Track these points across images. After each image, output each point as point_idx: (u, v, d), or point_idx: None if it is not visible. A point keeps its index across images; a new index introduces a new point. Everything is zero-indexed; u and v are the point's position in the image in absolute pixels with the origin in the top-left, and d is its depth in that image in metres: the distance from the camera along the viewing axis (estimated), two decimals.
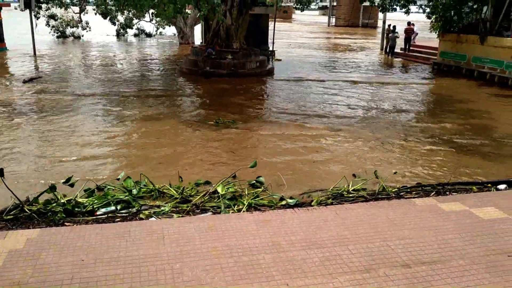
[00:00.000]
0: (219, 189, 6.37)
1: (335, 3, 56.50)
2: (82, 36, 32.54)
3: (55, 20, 32.04)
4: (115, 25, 33.59)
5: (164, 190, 6.39)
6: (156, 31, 35.70)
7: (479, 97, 14.82)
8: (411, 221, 4.99)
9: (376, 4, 22.44)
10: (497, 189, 6.71)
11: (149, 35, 35.46)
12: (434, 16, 20.43)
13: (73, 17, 32.11)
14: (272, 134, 9.96)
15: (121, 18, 33.30)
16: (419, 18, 27.54)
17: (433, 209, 5.45)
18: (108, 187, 6.52)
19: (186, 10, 20.37)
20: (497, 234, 4.57)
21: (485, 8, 18.68)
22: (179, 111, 12.08)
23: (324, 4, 68.17)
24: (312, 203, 6.00)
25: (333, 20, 56.29)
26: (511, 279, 3.68)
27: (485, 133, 10.45)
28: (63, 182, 6.51)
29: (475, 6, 19.15)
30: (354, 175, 7.38)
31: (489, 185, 6.94)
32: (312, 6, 25.75)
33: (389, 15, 24.34)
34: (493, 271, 3.81)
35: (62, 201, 5.76)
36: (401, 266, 3.90)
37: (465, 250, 4.22)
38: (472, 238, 4.48)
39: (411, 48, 25.19)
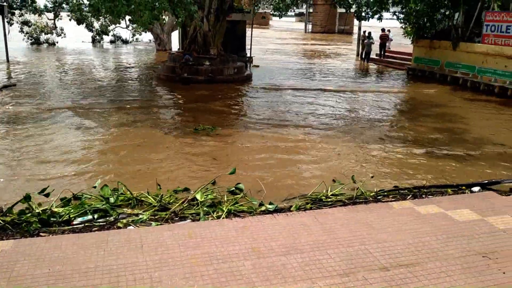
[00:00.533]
0: (198, 196, 6.34)
1: (311, 10, 57.11)
2: (57, 42, 32.03)
3: (29, 26, 31.47)
4: (91, 31, 33.19)
5: (142, 198, 6.32)
6: (132, 37, 35.42)
7: (453, 101, 15.16)
8: (388, 224, 5.06)
9: (353, 12, 22.76)
10: (471, 192, 6.86)
11: (125, 41, 35.15)
12: (408, 24, 20.83)
13: (47, 23, 31.61)
14: (251, 140, 9.97)
15: (97, 25, 32.93)
16: (393, 24, 28.03)
17: (410, 212, 5.54)
18: (85, 196, 6.41)
19: (163, 17, 20.27)
20: (471, 235, 4.67)
21: (457, 15, 19.16)
22: (157, 118, 11.99)
23: (300, 10, 68.80)
24: (292, 208, 6.02)
25: (309, 26, 56.88)
26: (486, 279, 3.76)
27: (460, 136, 10.69)
28: (38, 192, 6.38)
29: (447, 13, 19.63)
30: (333, 180, 7.44)
31: (464, 187, 7.09)
32: (289, 13, 25.97)
33: (364, 22, 24.70)
34: (468, 271, 3.89)
35: (37, 211, 5.64)
36: (379, 269, 3.95)
37: (441, 252, 4.29)
38: (448, 239, 4.56)
39: (386, 54, 25.63)
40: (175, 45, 29.43)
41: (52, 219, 5.50)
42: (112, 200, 6.18)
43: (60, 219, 5.51)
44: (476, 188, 6.98)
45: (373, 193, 6.77)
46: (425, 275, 3.80)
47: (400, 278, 3.76)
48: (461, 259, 4.13)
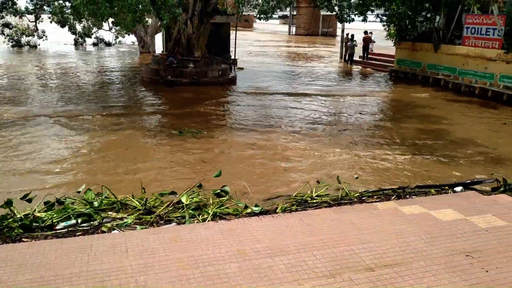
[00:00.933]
0: (184, 199, 6.30)
1: (295, 13, 57.37)
2: (39, 45, 31.59)
3: (10, 28, 30.97)
4: (73, 34, 32.81)
5: (127, 202, 6.26)
6: (115, 40, 35.10)
7: (435, 103, 15.36)
8: (373, 225, 5.09)
9: (335, 14, 22.93)
10: (454, 191, 6.96)
11: (108, 44, 34.82)
12: (391, 26, 21.07)
13: (28, 25, 31.16)
14: (237, 143, 9.96)
15: (79, 27, 32.57)
16: (376, 27, 28.33)
17: (394, 212, 5.59)
18: (68, 200, 6.33)
19: (146, 19, 20.16)
20: (455, 234, 4.73)
21: (438, 18, 19.45)
22: (142, 121, 11.89)
23: (284, 13, 69.04)
24: (277, 210, 6.03)
25: (293, 29, 57.12)
26: (469, 278, 3.81)
27: (442, 137, 10.84)
28: (21, 198, 6.28)
29: (428, 16, 19.92)
30: (318, 182, 7.47)
31: (446, 187, 7.19)
32: (273, 15, 26.06)
33: (347, 24, 24.89)
34: (452, 270, 3.94)
35: (19, 216, 5.54)
36: (365, 270, 3.97)
37: (425, 251, 4.33)
38: (432, 239, 4.61)
39: (369, 56, 25.87)
40: (158, 47, 29.27)
41: (34, 224, 5.41)
42: (96, 204, 6.11)
43: (43, 224, 5.42)
44: (458, 188, 7.08)
45: (358, 194, 6.82)
46: (410, 275, 3.84)
47: (386, 278, 3.79)
48: (445, 258, 4.18)
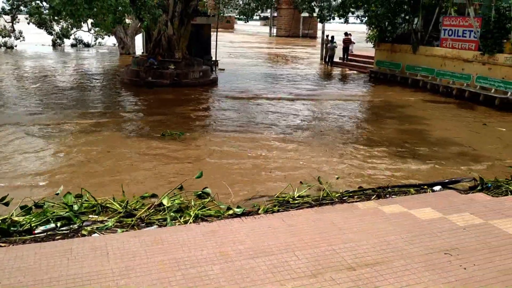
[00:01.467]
0: (165, 202, 6.26)
1: (276, 14, 57.56)
2: (15, 46, 31.01)
3: None
4: (51, 34, 32.29)
5: (107, 205, 6.19)
6: (95, 41, 34.68)
7: (414, 103, 15.60)
8: (354, 225, 5.14)
9: (315, 15, 23.09)
10: (433, 191, 7.07)
11: (87, 45, 34.36)
12: (371, 28, 21.32)
13: (5, 26, 30.55)
14: (219, 145, 9.94)
15: (57, 28, 32.07)
16: (356, 28, 28.61)
17: (375, 212, 5.65)
18: (47, 203, 6.22)
19: (126, 20, 19.95)
20: (434, 233, 4.80)
21: (416, 19, 19.76)
22: (122, 123, 11.76)
23: (265, 14, 69.23)
24: (259, 211, 6.04)
25: (274, 30, 57.31)
26: (448, 275, 3.87)
27: (422, 137, 11.01)
28: None
29: (407, 17, 20.22)
30: (300, 182, 7.51)
31: (425, 187, 7.31)
32: (254, 17, 26.04)
33: (327, 25, 25.16)
34: (431, 268, 4.00)
35: None
36: (346, 269, 4.00)
37: (405, 250, 4.39)
38: (411, 238, 4.68)
39: (349, 57, 26.11)
40: (139, 48, 29.03)
41: (12, 228, 5.31)
42: (75, 207, 6.02)
43: (21, 228, 5.33)
44: (437, 187, 7.21)
45: (339, 194, 6.88)
46: (391, 274, 3.88)
47: (367, 277, 3.83)
48: (425, 256, 4.24)
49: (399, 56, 20.27)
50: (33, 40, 33.51)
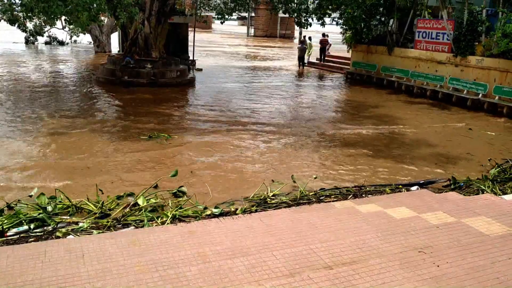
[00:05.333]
0: (140, 202, 6.21)
1: (253, 14, 57.58)
2: None
3: None
4: (24, 31, 31.50)
5: (82, 206, 6.10)
6: (70, 39, 34.01)
7: (389, 104, 15.85)
8: (331, 224, 5.20)
9: (294, 16, 23.20)
10: (408, 190, 7.21)
11: (61, 43, 33.68)
12: (347, 31, 21.53)
13: None
14: (197, 145, 9.90)
15: (30, 25, 31.30)
16: (333, 29, 28.88)
17: (351, 211, 5.73)
18: (20, 205, 6.08)
19: (102, 18, 19.65)
20: (408, 232, 4.90)
21: (391, 21, 20.08)
22: (98, 123, 11.55)
23: (243, 14, 69.14)
24: (237, 212, 6.05)
25: (252, 30, 57.33)
26: (422, 272, 3.96)
27: (397, 137, 11.20)
28: None
29: (383, 19, 20.53)
30: (272, 180, 7.55)
31: (401, 186, 7.44)
32: (232, 16, 26.04)
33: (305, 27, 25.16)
34: (406, 266, 4.08)
35: None
36: (323, 268, 4.05)
37: (381, 249, 4.47)
38: (387, 236, 4.76)
39: (326, 58, 26.33)
40: (114, 47, 28.63)
41: None
42: (49, 208, 5.91)
43: None
44: (414, 188, 7.35)
45: (313, 193, 6.94)
46: (367, 272, 3.95)
47: (343, 276, 3.88)
48: (399, 254, 4.32)
49: (375, 58, 20.56)
50: (4, 38, 32.65)
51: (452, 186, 7.55)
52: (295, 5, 20.23)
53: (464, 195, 6.84)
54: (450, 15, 17.55)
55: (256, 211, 6.09)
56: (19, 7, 15.88)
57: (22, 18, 27.42)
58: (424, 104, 15.95)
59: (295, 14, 20.26)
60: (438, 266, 4.08)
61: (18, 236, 5.15)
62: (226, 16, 22.11)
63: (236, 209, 6.17)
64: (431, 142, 10.80)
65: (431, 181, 7.87)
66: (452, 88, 16.21)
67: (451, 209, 5.69)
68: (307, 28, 22.28)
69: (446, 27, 16.56)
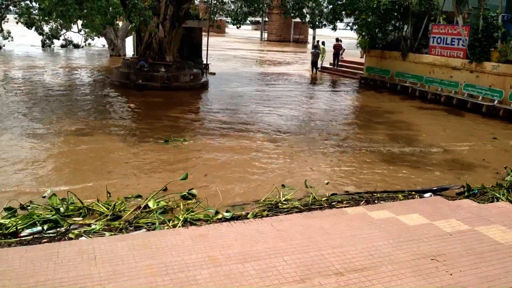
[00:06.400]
0: (150, 204, 6.24)
1: (267, 19, 57.69)
2: (3, 46, 30.67)
3: None
4: (41, 35, 31.98)
5: (94, 207, 6.15)
6: (85, 42, 34.45)
7: (403, 109, 15.72)
8: (343, 230, 5.17)
9: (307, 21, 23.19)
10: (421, 197, 7.13)
11: (77, 46, 34.12)
12: (362, 35, 21.44)
13: None
14: (210, 147, 9.93)
15: (46, 28, 31.77)
16: (347, 34, 28.80)
17: (363, 217, 5.68)
18: (33, 206, 6.15)
19: (116, 22, 19.85)
20: (421, 239, 4.85)
21: (406, 27, 19.97)
22: (112, 126, 11.64)
23: (257, 19, 69.36)
24: (248, 216, 6.04)
25: (265, 35, 57.45)
26: (434, 281, 3.91)
27: (411, 143, 11.10)
28: None
29: (397, 25, 20.42)
30: (283, 185, 7.53)
31: (413, 193, 7.37)
32: (245, 21, 26.15)
33: (318, 31, 25.19)
34: (419, 274, 4.03)
35: None
36: (334, 275, 4.02)
37: (393, 256, 4.43)
38: (399, 243, 4.71)
39: (339, 63, 26.22)
40: (129, 50, 28.90)
41: None
42: (62, 210, 5.97)
43: (6, 231, 5.26)
44: (427, 194, 7.27)
45: (325, 198, 6.90)
46: (378, 279, 3.91)
47: (355, 283, 3.85)
48: (412, 262, 4.28)
49: (389, 63, 20.44)
50: (22, 41, 33.18)
51: (466, 194, 7.45)
52: (308, 9, 20.25)
53: (478, 202, 6.74)
54: (465, 21, 17.38)
55: (267, 215, 6.08)
56: (37, 11, 16.14)
57: (39, 21, 27.93)
58: (438, 110, 15.79)
59: (308, 17, 20.26)
60: (451, 274, 4.03)
61: (31, 236, 5.20)
62: (241, 22, 22.20)
63: (248, 214, 6.16)
64: (446, 148, 10.68)
65: (444, 188, 7.77)
66: (467, 94, 16.03)
67: (464, 217, 5.61)
68: (321, 27, 22.21)
69: (462, 33, 16.40)
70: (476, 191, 7.50)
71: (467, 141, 11.64)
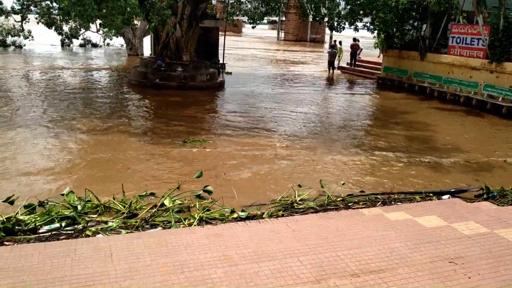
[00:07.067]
0: (166, 202, 6.28)
1: (283, 18, 57.58)
2: (24, 45, 31.24)
3: None
4: (60, 34, 32.48)
5: (110, 205, 6.21)
6: (103, 41, 34.88)
7: (421, 110, 15.54)
8: (359, 231, 5.12)
9: (325, 21, 23.06)
10: (439, 199, 7.03)
11: (95, 45, 34.57)
12: (379, 34, 21.23)
13: (14, 25, 30.77)
14: (226, 147, 9.95)
15: (66, 28, 32.26)
16: (364, 34, 28.57)
17: (380, 218, 5.63)
18: (51, 203, 6.24)
19: (134, 21, 20.05)
20: (438, 241, 4.78)
21: (424, 26, 19.71)
22: (130, 125, 11.76)
23: (273, 18, 69.30)
24: (264, 216, 6.03)
25: (282, 34, 57.37)
26: (452, 284, 3.85)
27: (429, 144, 10.96)
28: (3, 201, 6.18)
29: (415, 24, 20.17)
30: (299, 185, 7.50)
31: (431, 194, 7.27)
32: (262, 21, 26.12)
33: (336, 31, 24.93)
34: (436, 277, 3.98)
35: (1, 219, 5.45)
36: (350, 276, 3.99)
37: (410, 258, 4.37)
38: (416, 245, 4.66)
39: (356, 63, 26.03)
40: (147, 50, 29.15)
41: (17, 227, 5.33)
42: (79, 207, 6.04)
43: (26, 228, 5.35)
44: (445, 196, 7.17)
45: (341, 199, 6.86)
46: (395, 281, 3.87)
47: (370, 285, 3.81)
48: (429, 264, 4.22)
49: (407, 63, 20.21)
50: (42, 40, 33.73)
51: (485, 196, 7.32)
52: (326, 10, 20.13)
53: (497, 205, 6.62)
54: (485, 21, 17.08)
55: (282, 215, 6.06)
56: (57, 11, 16.39)
57: (58, 21, 28.35)
58: (457, 111, 15.55)
59: (327, 19, 20.14)
60: (469, 277, 3.97)
61: (49, 233, 5.28)
62: (258, 21, 22.20)
63: (263, 213, 6.15)
64: (464, 149, 10.52)
65: (463, 189, 7.65)
66: (487, 95, 15.76)
67: (483, 219, 5.52)
68: (340, 32, 22.10)
69: (482, 33, 16.13)
70: (496, 194, 7.36)
71: (488, 143, 11.45)
